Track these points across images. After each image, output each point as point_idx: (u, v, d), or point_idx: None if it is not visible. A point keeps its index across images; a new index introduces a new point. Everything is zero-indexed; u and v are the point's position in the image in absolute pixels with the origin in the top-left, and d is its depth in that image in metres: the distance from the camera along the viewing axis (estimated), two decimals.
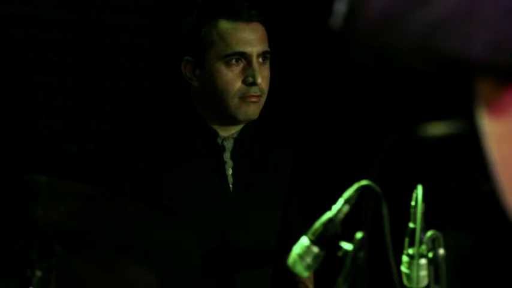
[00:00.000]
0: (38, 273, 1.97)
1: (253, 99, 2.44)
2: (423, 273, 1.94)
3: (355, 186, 1.97)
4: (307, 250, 1.97)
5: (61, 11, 3.57)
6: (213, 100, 2.47)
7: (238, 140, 2.54)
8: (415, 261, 1.93)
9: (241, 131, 2.54)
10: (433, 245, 1.95)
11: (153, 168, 2.45)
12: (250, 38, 2.44)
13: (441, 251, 1.94)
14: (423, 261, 1.94)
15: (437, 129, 2.02)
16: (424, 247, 1.94)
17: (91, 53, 3.61)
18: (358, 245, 1.89)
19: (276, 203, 2.62)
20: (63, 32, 3.57)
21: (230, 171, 2.53)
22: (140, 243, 2.16)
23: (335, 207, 1.97)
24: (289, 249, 1.98)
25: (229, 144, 2.53)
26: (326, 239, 1.96)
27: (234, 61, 2.43)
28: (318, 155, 3.65)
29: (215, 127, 2.51)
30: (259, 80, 2.43)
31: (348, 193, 1.97)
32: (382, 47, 1.10)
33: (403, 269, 1.96)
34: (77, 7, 3.60)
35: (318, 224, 1.97)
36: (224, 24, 2.44)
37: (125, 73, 3.66)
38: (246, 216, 2.53)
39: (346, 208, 1.96)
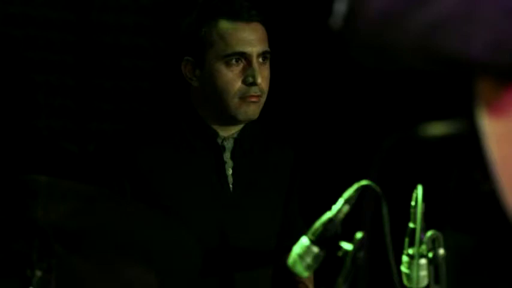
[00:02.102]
0: (38, 273, 1.97)
1: (253, 99, 2.44)
2: (423, 273, 1.94)
3: (355, 186, 1.97)
4: (307, 250, 1.97)
5: (61, 11, 3.58)
6: (213, 100, 2.47)
7: (238, 140, 2.54)
8: (415, 261, 1.93)
9: (241, 131, 2.54)
10: (433, 245, 1.95)
11: (153, 168, 2.45)
12: (250, 38, 2.44)
13: (441, 251, 1.94)
14: (423, 261, 1.94)
15: (437, 129, 2.02)
16: (424, 247, 1.94)
17: (91, 53, 3.61)
18: (358, 245, 1.90)
19: (276, 203, 2.62)
20: (63, 32, 3.57)
21: (230, 171, 2.53)
22: (140, 243, 2.16)
23: (335, 207, 1.97)
24: (289, 249, 1.98)
25: (229, 144, 2.53)
26: (326, 239, 1.96)
27: (234, 61, 2.43)
28: (318, 155, 3.65)
29: (215, 127, 2.51)
30: (259, 80, 2.43)
31: (348, 193, 1.97)
32: (382, 47, 1.10)
33: (403, 269, 1.96)
34: (77, 7, 3.60)
35: (318, 224, 1.97)
36: (224, 24, 2.44)
37: (125, 73, 3.66)
38: (246, 216, 2.53)
39: (346, 208, 1.96)
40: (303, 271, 1.97)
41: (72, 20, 3.59)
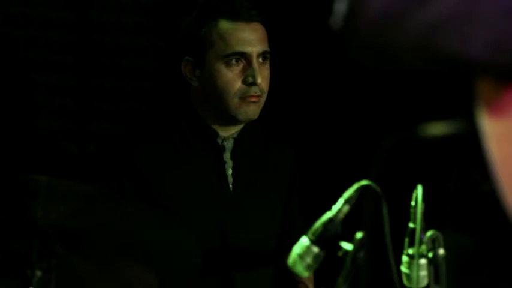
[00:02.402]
0: (38, 273, 1.97)
1: (253, 99, 2.44)
2: (423, 273, 1.94)
3: (355, 186, 1.97)
4: (307, 250, 1.97)
5: (61, 11, 3.58)
6: (213, 100, 2.47)
7: (238, 140, 2.54)
8: (415, 261, 1.93)
9: (241, 131, 2.54)
10: (433, 245, 1.95)
11: (153, 168, 2.45)
12: (250, 38, 2.44)
13: (441, 251, 1.94)
14: (423, 261, 1.94)
15: (437, 129, 2.02)
16: (424, 247, 1.94)
17: (91, 53, 3.61)
18: (358, 245, 1.90)
19: (276, 203, 2.62)
20: (63, 32, 3.57)
21: (230, 171, 2.52)
22: (140, 243, 2.16)
23: (335, 207, 1.97)
24: (289, 249, 1.98)
25: (229, 144, 2.53)
26: (326, 239, 1.96)
27: (234, 61, 2.43)
28: (318, 155, 3.65)
29: (215, 127, 2.51)
30: (259, 80, 2.43)
31: (348, 193, 1.97)
32: (382, 47, 1.10)
33: (403, 269, 1.96)
34: (77, 7, 3.60)
35: (318, 224, 1.97)
36: (224, 24, 2.44)
37: (125, 73, 3.66)
38: (246, 216, 2.53)
39: (346, 208, 1.96)
40: (303, 271, 1.97)
41: (72, 20, 3.59)
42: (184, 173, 2.48)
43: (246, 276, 2.53)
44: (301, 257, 1.97)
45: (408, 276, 1.96)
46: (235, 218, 2.51)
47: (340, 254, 1.90)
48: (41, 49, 3.53)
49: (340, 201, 1.96)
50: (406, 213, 1.98)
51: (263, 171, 2.59)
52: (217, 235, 2.49)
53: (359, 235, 1.89)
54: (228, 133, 2.52)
